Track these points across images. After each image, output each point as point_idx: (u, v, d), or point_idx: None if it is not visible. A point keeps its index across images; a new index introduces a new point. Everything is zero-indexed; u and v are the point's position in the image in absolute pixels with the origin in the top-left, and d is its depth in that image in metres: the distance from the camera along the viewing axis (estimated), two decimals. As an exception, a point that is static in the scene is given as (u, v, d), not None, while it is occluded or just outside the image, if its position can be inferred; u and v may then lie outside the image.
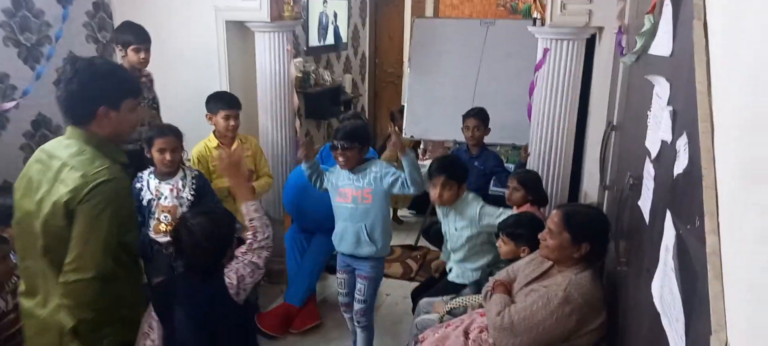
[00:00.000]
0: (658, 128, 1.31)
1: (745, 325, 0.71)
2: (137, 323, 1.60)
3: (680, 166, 1.06)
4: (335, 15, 4.87)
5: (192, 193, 2.46)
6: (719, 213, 0.84)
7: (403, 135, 4.14)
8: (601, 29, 2.73)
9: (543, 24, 2.75)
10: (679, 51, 1.25)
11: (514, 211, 2.51)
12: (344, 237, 2.45)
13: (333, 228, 2.52)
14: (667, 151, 1.22)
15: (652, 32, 1.53)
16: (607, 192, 2.50)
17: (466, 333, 2.00)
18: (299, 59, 4.24)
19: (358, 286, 2.53)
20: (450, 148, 4.06)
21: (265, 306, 3.14)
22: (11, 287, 2.11)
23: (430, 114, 4.12)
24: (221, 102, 2.81)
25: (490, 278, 2.14)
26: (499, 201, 2.69)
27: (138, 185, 2.44)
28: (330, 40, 4.84)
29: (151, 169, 2.47)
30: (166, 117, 2.95)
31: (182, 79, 3.19)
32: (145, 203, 2.43)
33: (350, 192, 2.39)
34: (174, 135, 2.41)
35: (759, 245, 0.69)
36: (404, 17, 6.41)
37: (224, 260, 1.65)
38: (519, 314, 1.77)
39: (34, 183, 1.49)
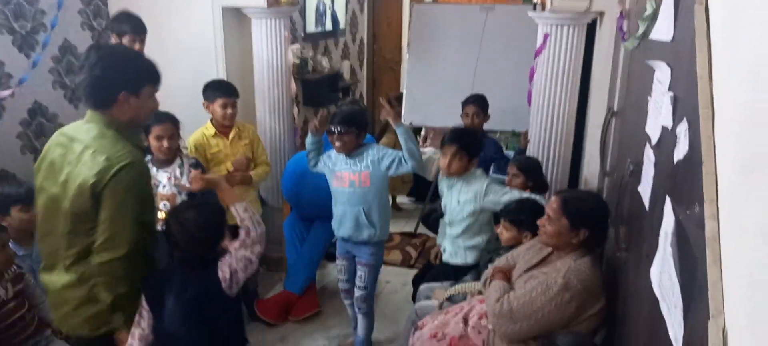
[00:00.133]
0: (659, 114, 1.30)
1: (743, 310, 0.71)
2: None
3: (680, 152, 1.06)
4: (332, 1, 4.83)
5: (189, 181, 2.45)
6: (719, 199, 0.84)
7: (402, 121, 4.12)
8: (601, 14, 2.71)
9: (543, 9, 2.72)
10: (681, 36, 1.24)
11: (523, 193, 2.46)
12: (343, 221, 2.45)
13: (332, 215, 2.53)
14: (668, 137, 1.21)
15: (654, 17, 1.51)
16: (607, 178, 2.50)
17: (465, 320, 2.01)
18: (297, 46, 4.21)
19: (359, 273, 2.54)
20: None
21: (264, 294, 3.15)
22: (11, 276, 2.11)
23: (429, 100, 4.10)
24: (218, 90, 2.79)
25: (490, 265, 2.14)
26: (498, 188, 2.68)
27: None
28: (328, 26, 4.81)
29: (149, 157, 2.46)
30: (163, 105, 2.91)
31: (178, 67, 3.16)
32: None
33: (348, 176, 2.39)
34: (171, 122, 2.40)
35: (757, 232, 0.68)
36: (403, 3, 6.35)
37: (217, 250, 1.67)
38: (518, 301, 1.77)
39: (57, 165, 1.57)
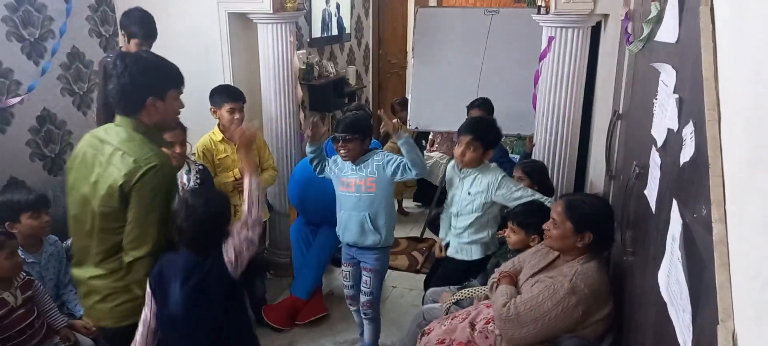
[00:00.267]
0: (664, 116, 1.29)
1: (753, 314, 0.70)
2: None
3: (687, 154, 1.05)
4: (338, 6, 4.85)
5: (197, 186, 2.46)
6: (726, 202, 0.83)
7: (408, 126, 4.12)
8: (606, 16, 2.70)
9: (547, 12, 2.72)
10: (686, 37, 1.23)
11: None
12: (348, 227, 2.45)
13: (338, 220, 2.53)
14: (674, 140, 1.21)
15: (658, 19, 1.51)
16: (613, 181, 2.48)
17: (472, 325, 2.00)
18: (302, 51, 4.23)
19: (364, 278, 2.53)
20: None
21: (271, 299, 3.15)
22: (20, 283, 2.13)
23: (435, 104, 4.10)
24: (225, 95, 2.80)
25: (496, 269, 2.14)
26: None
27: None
28: (333, 31, 4.82)
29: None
30: (170, 111, 2.94)
31: (185, 71, 3.13)
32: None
33: (353, 181, 2.39)
34: (180, 128, 2.42)
35: (765, 227, 0.68)
36: (408, 7, 6.37)
37: (221, 237, 1.70)
38: (525, 305, 1.77)
39: (88, 166, 1.64)
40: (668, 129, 1.26)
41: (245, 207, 1.73)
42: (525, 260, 2.05)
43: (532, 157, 2.98)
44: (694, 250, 0.96)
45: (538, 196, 2.37)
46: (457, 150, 2.47)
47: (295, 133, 3.30)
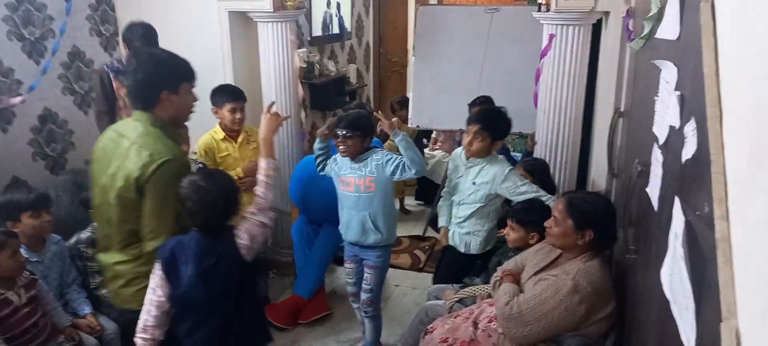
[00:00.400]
0: (666, 114, 1.29)
1: (757, 312, 0.70)
2: None
3: (688, 151, 1.05)
4: (338, 5, 4.84)
5: (201, 168, 2.46)
6: (728, 199, 0.83)
7: (409, 124, 4.12)
8: (607, 14, 2.70)
9: (548, 9, 2.71)
10: (687, 34, 1.23)
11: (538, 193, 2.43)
12: (350, 225, 2.47)
13: (339, 219, 2.53)
14: (675, 137, 1.21)
15: (659, 17, 1.51)
16: (615, 179, 2.48)
17: (475, 323, 2.00)
18: (303, 50, 4.22)
19: (365, 275, 2.54)
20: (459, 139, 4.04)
21: (274, 298, 3.16)
22: (23, 282, 2.13)
23: (436, 103, 4.10)
24: (226, 95, 2.80)
25: (499, 268, 2.14)
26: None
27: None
28: (334, 29, 4.82)
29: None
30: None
31: (187, 72, 3.18)
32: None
33: (353, 180, 2.40)
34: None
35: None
36: (408, 5, 6.36)
37: (232, 217, 1.72)
38: (528, 304, 1.77)
39: (108, 158, 1.72)
40: (670, 126, 1.26)
41: (260, 190, 1.77)
42: (527, 259, 2.05)
43: (534, 155, 2.98)
44: (696, 247, 0.96)
45: (542, 192, 2.37)
46: (466, 138, 2.47)
47: (296, 132, 3.30)
